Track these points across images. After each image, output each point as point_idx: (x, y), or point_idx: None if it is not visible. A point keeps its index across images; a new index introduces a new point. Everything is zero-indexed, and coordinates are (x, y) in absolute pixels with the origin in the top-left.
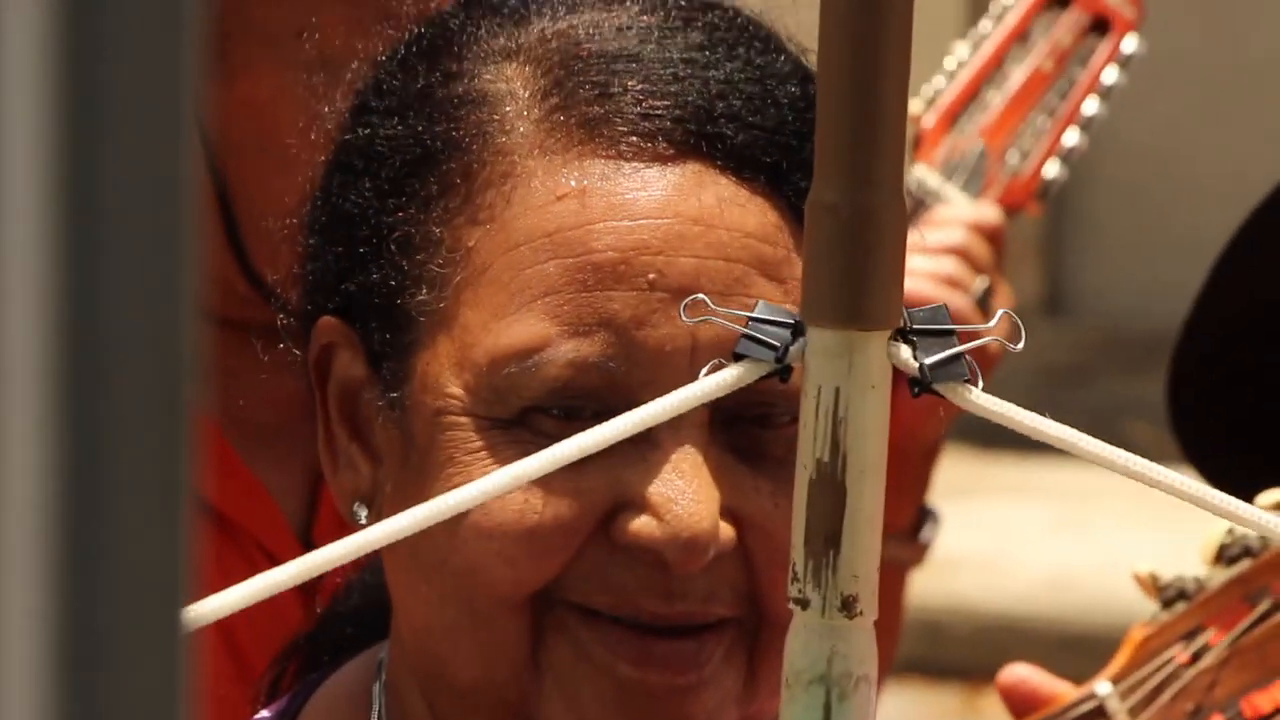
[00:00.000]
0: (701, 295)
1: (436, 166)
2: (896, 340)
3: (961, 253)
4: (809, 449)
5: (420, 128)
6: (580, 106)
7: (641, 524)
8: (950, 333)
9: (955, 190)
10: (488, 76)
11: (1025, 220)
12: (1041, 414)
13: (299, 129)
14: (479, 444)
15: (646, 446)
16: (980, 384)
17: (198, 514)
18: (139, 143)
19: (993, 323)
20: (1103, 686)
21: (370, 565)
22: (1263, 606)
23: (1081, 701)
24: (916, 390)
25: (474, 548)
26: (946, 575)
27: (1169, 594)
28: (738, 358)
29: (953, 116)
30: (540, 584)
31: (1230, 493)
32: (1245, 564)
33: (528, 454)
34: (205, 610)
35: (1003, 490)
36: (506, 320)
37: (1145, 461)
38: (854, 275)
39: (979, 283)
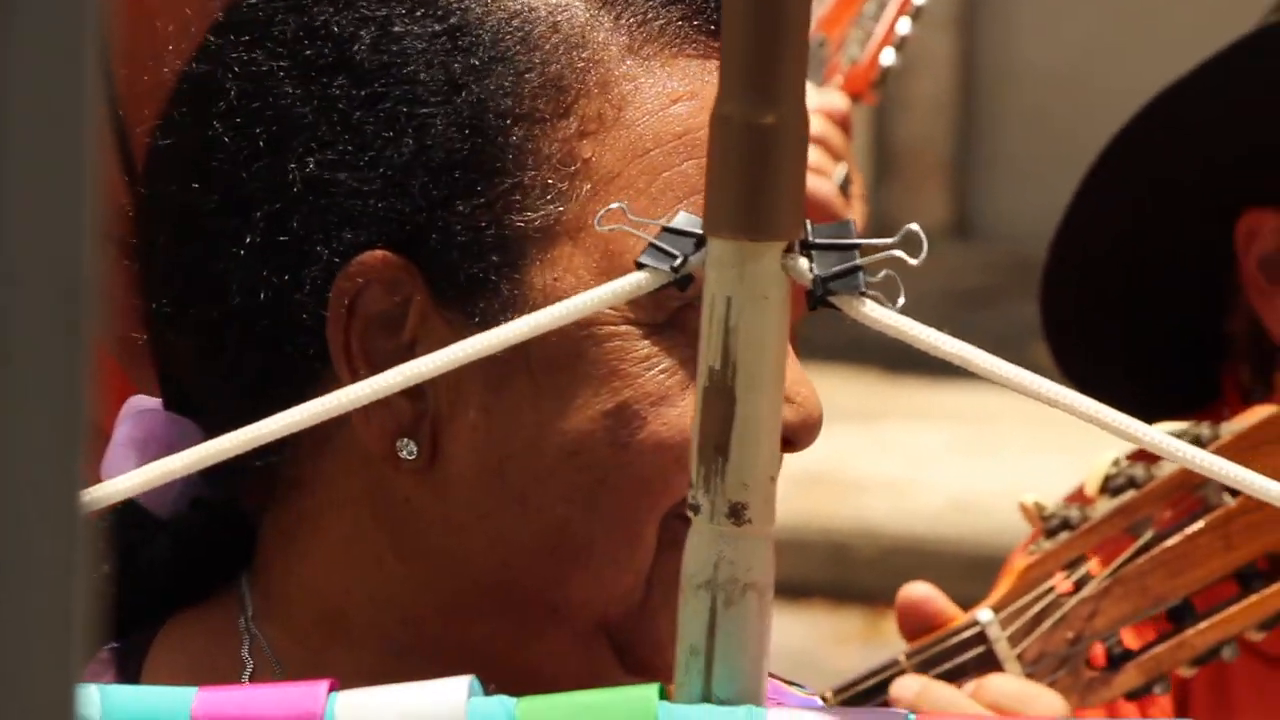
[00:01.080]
0: (617, 204)
1: (519, 85)
2: (796, 252)
3: (820, 141)
4: (704, 357)
5: (481, 51)
6: (652, 10)
7: None
8: (852, 247)
9: None
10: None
11: (934, 143)
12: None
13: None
14: (645, 350)
15: None
16: (899, 303)
17: (93, 440)
18: (42, 51)
19: (896, 238)
20: (984, 614)
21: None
22: (1145, 537)
23: (963, 628)
24: (812, 304)
25: (651, 460)
26: (852, 498)
27: (1053, 524)
28: (639, 266)
29: None
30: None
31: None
32: (1129, 495)
33: (685, 357)
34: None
35: (908, 414)
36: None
37: (1038, 378)
38: (749, 187)
39: (839, 169)
